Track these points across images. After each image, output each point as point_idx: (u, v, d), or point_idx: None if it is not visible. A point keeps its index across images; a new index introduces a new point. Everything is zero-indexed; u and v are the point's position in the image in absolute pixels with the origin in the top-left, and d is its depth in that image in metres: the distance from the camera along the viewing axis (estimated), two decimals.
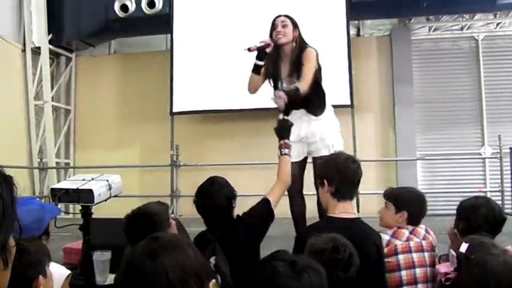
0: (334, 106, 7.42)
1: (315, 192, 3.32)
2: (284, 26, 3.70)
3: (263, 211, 2.80)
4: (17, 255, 1.53)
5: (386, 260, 2.64)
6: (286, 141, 3.15)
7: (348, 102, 7.85)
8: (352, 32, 8.92)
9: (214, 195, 2.66)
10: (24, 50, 9.01)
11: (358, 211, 7.26)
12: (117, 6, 8.65)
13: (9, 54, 8.70)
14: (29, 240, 1.76)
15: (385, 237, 2.75)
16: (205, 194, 2.69)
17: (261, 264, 1.33)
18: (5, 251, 1.03)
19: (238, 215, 2.76)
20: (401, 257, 2.71)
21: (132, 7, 8.62)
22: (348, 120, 7.91)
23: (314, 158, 3.79)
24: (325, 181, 2.63)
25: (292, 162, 3.20)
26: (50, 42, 9.23)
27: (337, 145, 3.79)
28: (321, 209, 3.36)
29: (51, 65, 9.59)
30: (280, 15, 3.79)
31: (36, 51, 9.07)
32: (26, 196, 2.96)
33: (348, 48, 7.90)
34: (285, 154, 3.10)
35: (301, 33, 3.80)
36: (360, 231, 2.49)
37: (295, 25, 3.77)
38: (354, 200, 2.99)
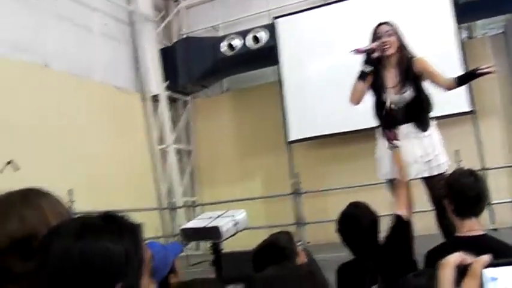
0: (453, 115, 7.22)
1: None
2: (390, 35, 3.53)
3: (400, 231, 2.64)
4: None
5: None
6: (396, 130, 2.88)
7: (468, 109, 7.48)
8: (464, 35, 8.52)
9: (359, 218, 2.55)
10: (144, 99, 9.59)
11: (493, 222, 6.81)
12: (224, 46, 9.02)
13: (130, 104, 9.30)
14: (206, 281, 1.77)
15: None
16: (350, 217, 2.59)
17: None
18: None
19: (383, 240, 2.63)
20: None
21: (238, 45, 8.94)
22: (470, 128, 7.54)
23: (426, 178, 3.49)
24: (445, 201, 2.49)
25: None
26: (167, 88, 9.83)
27: (447, 163, 3.53)
28: (445, 229, 3.21)
29: (170, 110, 10.12)
30: (381, 23, 3.62)
31: (155, 98, 9.64)
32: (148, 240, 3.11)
33: (462, 52, 7.58)
34: (397, 147, 2.87)
35: (405, 39, 3.62)
36: (489, 249, 2.28)
37: (398, 33, 3.59)
38: (487, 212, 2.78)
